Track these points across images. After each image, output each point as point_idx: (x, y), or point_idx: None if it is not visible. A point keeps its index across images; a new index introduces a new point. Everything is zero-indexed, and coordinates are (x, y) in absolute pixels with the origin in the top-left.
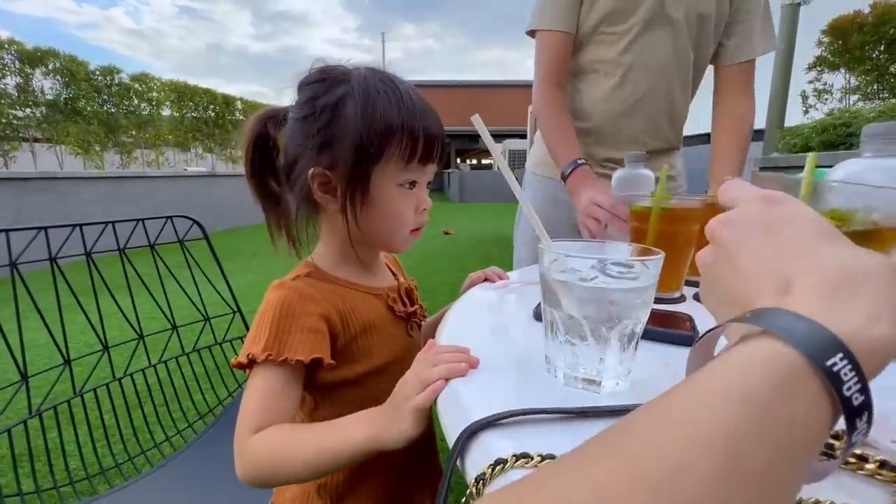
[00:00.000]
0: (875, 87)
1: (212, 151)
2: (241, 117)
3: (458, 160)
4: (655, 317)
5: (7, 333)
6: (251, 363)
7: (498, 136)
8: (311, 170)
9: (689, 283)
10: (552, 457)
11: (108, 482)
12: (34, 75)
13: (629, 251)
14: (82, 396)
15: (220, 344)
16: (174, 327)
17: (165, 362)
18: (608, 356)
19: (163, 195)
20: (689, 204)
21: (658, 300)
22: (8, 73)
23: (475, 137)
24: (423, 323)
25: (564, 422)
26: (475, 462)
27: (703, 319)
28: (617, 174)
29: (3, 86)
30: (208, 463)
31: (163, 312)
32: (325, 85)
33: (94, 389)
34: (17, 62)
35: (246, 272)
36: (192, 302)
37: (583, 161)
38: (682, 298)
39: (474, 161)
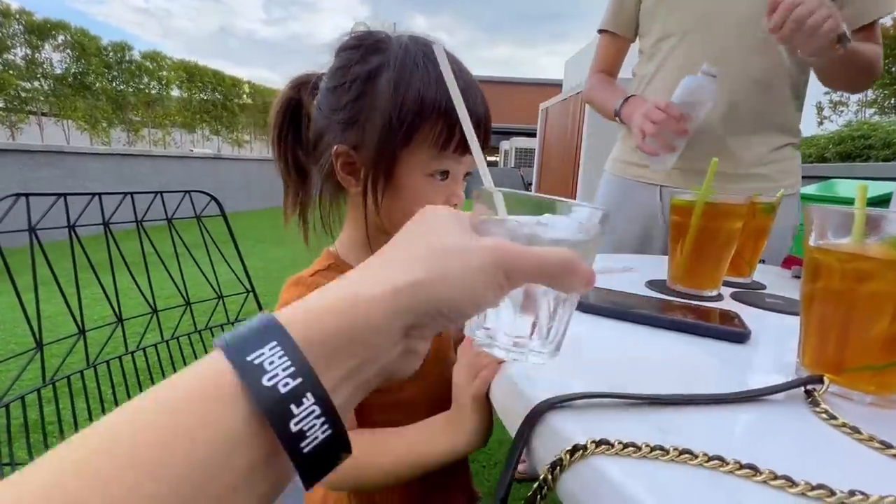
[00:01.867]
0: (893, 102)
1: (218, 134)
2: (248, 101)
3: None
4: (700, 312)
5: (23, 303)
6: None
7: (506, 134)
8: (336, 147)
9: (728, 284)
10: (633, 445)
11: None
12: (43, 48)
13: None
14: (95, 368)
15: (233, 323)
16: (188, 303)
17: (178, 338)
18: (540, 318)
19: (168, 175)
20: (733, 199)
21: (695, 298)
22: (17, 44)
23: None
24: None
25: (633, 408)
26: (545, 446)
27: (746, 318)
28: (683, 81)
29: (11, 56)
30: None
31: (177, 288)
32: (360, 52)
33: (108, 361)
34: (25, 33)
35: (249, 256)
36: (207, 279)
37: (633, 95)
38: (719, 297)
39: None
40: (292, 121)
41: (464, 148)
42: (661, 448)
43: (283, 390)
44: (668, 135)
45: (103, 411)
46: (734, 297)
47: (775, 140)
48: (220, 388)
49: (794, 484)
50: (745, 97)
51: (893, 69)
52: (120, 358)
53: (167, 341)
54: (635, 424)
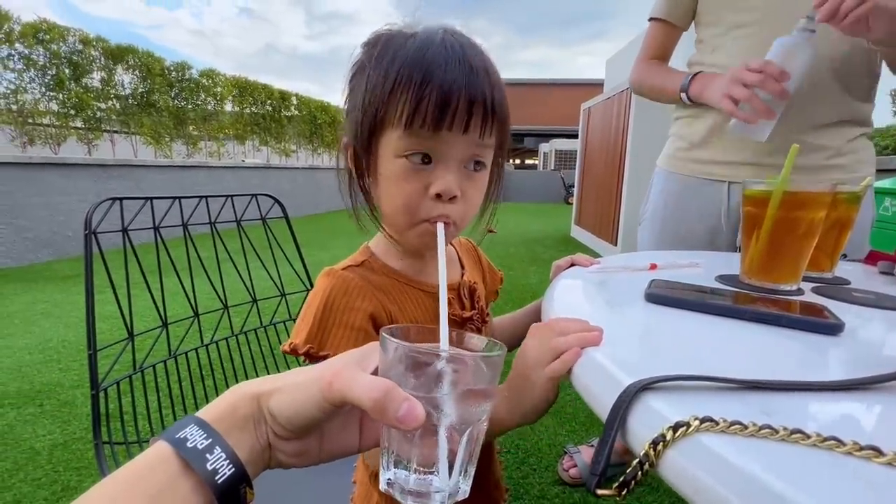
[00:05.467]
0: None
1: (267, 144)
2: (295, 112)
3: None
4: (783, 304)
5: (118, 297)
6: (294, 353)
7: (545, 136)
8: (343, 139)
9: (807, 279)
10: (739, 423)
11: None
12: (116, 70)
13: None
14: (176, 359)
15: (294, 319)
16: (254, 300)
17: (245, 333)
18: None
19: (223, 184)
20: (816, 187)
21: (772, 293)
22: (95, 68)
23: (519, 136)
24: (489, 324)
25: (731, 392)
26: (643, 424)
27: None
28: (778, 41)
29: (90, 79)
30: None
31: (245, 286)
32: (369, 45)
33: (186, 353)
34: (102, 59)
35: (295, 260)
36: (272, 279)
37: (700, 71)
38: (800, 292)
39: (518, 161)
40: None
41: (437, 123)
42: (770, 427)
43: (200, 447)
44: (765, 98)
45: (183, 398)
46: (816, 291)
47: (851, 131)
48: (160, 452)
49: None
50: (822, 88)
51: None
52: (196, 350)
53: (236, 335)
54: (737, 407)
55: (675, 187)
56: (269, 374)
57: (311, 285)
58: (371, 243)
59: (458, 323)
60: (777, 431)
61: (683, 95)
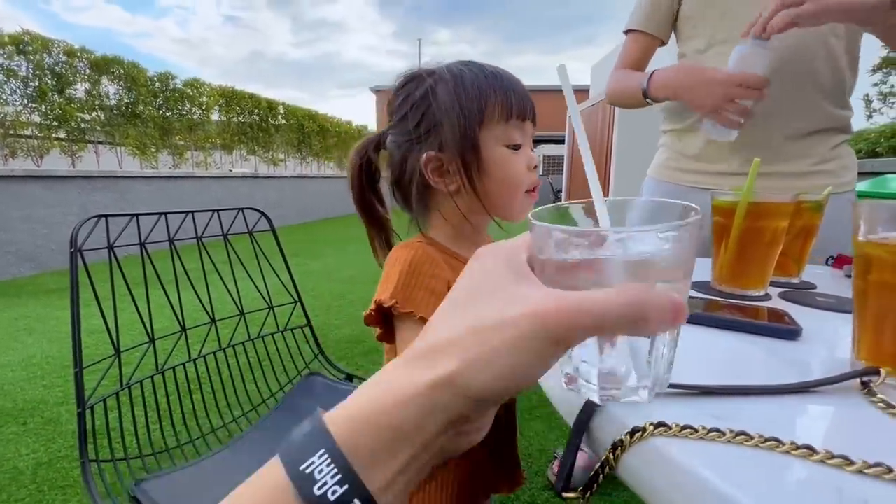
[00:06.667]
0: None
1: (255, 153)
2: (282, 121)
3: None
4: (748, 311)
5: (104, 314)
6: (379, 309)
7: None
8: (424, 155)
9: (775, 284)
10: (690, 427)
11: (184, 456)
12: (100, 81)
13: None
14: (163, 374)
15: (283, 332)
16: (242, 314)
17: (234, 346)
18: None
19: (210, 194)
20: (777, 198)
21: (741, 298)
22: (80, 79)
23: None
24: None
25: (687, 398)
26: (605, 431)
27: (797, 316)
28: (736, 49)
29: (73, 91)
30: (271, 444)
31: (233, 299)
32: (415, 83)
33: (173, 368)
34: (87, 69)
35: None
36: (259, 291)
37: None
38: (767, 297)
39: None
40: (368, 181)
41: (522, 114)
42: (718, 430)
43: (331, 498)
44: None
45: (171, 414)
46: (783, 296)
47: (834, 138)
48: (281, 496)
49: (851, 462)
50: (805, 103)
51: None
52: (184, 365)
53: (224, 349)
54: (691, 412)
55: (665, 196)
56: (257, 387)
57: (299, 297)
58: (426, 234)
59: None
60: (724, 434)
61: (644, 97)
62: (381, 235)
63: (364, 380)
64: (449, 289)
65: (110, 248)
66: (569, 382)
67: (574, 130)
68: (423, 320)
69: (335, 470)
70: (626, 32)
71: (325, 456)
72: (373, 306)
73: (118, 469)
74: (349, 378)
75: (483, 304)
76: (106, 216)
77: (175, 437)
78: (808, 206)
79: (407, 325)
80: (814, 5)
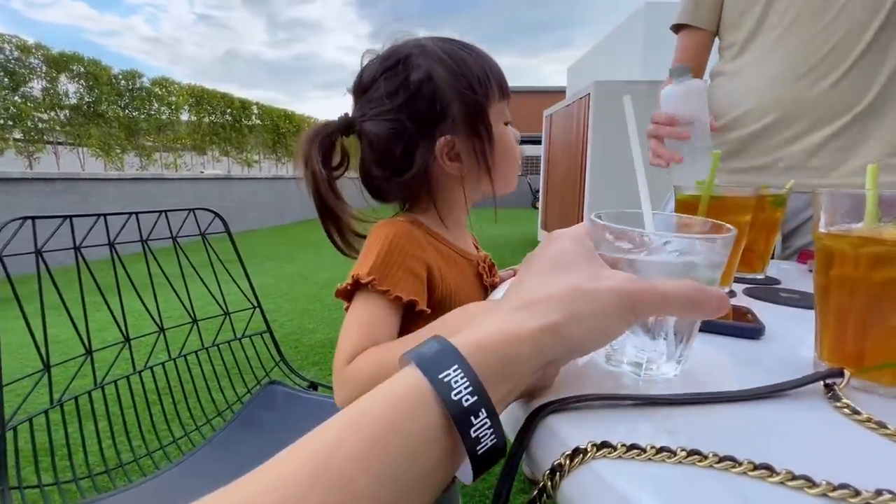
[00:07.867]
0: None
1: (228, 154)
2: (256, 122)
3: None
4: None
5: (30, 326)
6: (356, 285)
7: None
8: (439, 140)
9: (740, 280)
10: (636, 447)
11: (127, 477)
12: (59, 79)
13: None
14: (103, 389)
15: (240, 339)
16: (194, 321)
17: (185, 356)
18: (668, 338)
19: (180, 196)
20: (741, 192)
21: None
22: (35, 76)
23: None
24: None
25: (639, 410)
26: (545, 451)
27: (760, 313)
28: (667, 90)
29: (29, 89)
30: (225, 462)
31: (183, 306)
32: (403, 65)
33: (115, 382)
34: (43, 66)
35: (260, 274)
36: (213, 296)
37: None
38: (732, 294)
39: None
40: (328, 171)
41: (508, 91)
42: (668, 450)
43: (465, 404)
44: (673, 146)
45: (112, 432)
46: (747, 293)
47: None
48: (422, 396)
49: (814, 484)
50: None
51: None
52: (128, 377)
53: (174, 359)
54: (642, 427)
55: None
56: (212, 397)
57: (259, 303)
58: (411, 215)
59: (488, 288)
60: (675, 454)
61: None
62: (338, 227)
63: (330, 387)
64: (427, 271)
65: (38, 252)
66: (609, 359)
67: (631, 150)
68: (398, 299)
69: (467, 383)
70: (675, 28)
71: (459, 371)
72: (349, 280)
73: (45, 495)
74: (313, 386)
75: (574, 274)
76: (33, 218)
77: (117, 457)
78: (771, 199)
79: (372, 301)
80: None
